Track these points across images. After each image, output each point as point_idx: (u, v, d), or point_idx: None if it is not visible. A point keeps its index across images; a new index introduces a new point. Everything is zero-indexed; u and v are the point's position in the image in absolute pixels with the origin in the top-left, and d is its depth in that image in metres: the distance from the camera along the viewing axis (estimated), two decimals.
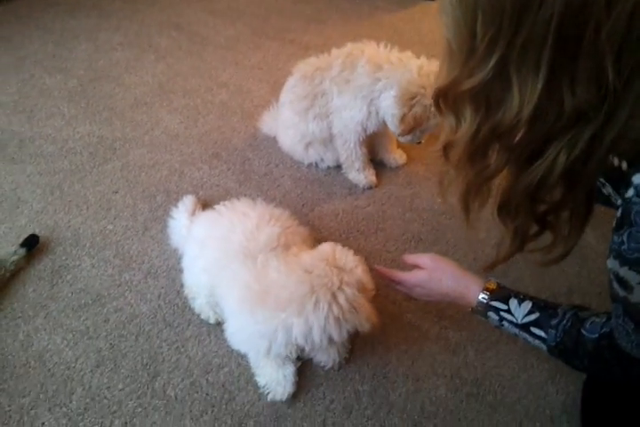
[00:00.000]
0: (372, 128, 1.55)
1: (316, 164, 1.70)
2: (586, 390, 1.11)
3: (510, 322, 0.96)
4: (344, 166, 1.64)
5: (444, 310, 1.30)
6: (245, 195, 1.47)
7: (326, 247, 1.02)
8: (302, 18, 2.57)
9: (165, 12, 2.51)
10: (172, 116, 1.88)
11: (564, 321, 0.88)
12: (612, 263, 0.69)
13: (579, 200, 0.75)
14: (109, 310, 1.25)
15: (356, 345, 1.22)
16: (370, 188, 1.64)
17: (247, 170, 1.69)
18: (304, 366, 1.15)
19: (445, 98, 0.73)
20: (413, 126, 1.44)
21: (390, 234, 1.50)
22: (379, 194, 1.64)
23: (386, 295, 1.33)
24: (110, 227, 1.45)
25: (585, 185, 0.72)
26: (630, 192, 0.64)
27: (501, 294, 0.98)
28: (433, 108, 1.39)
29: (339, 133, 1.55)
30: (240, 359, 1.17)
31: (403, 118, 1.43)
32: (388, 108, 1.46)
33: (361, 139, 1.56)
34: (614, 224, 0.67)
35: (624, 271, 0.67)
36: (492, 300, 0.98)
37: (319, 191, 1.62)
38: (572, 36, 0.58)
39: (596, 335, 0.83)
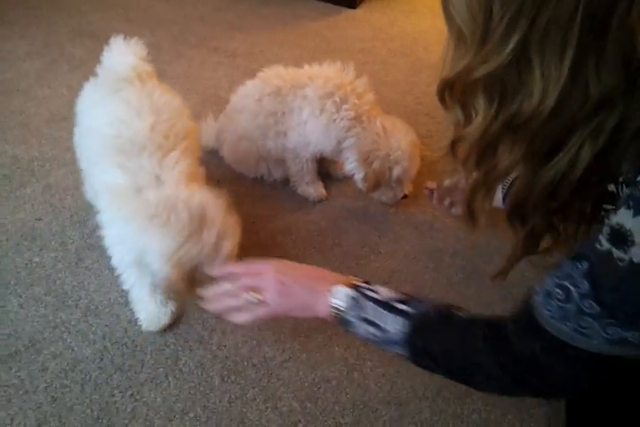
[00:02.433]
0: (330, 155, 1.51)
1: (262, 177, 1.60)
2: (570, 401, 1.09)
3: (371, 298, 0.82)
4: (293, 180, 1.56)
5: None
6: None
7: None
8: (225, 25, 2.45)
9: (75, 19, 2.31)
10: None
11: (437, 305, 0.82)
12: (619, 216, 0.61)
13: (591, 199, 0.69)
14: (47, 356, 1.08)
15: (332, 373, 1.13)
16: (320, 201, 1.57)
17: None
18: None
19: (452, 90, 0.66)
20: (377, 181, 1.41)
21: (348, 249, 1.43)
22: (330, 207, 1.56)
23: None
24: (37, 259, 1.27)
25: (601, 181, 0.66)
26: None
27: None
28: (391, 157, 1.38)
29: (293, 148, 1.46)
30: (206, 402, 1.05)
31: (365, 177, 1.41)
32: (353, 170, 1.45)
33: (316, 157, 1.50)
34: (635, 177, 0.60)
35: (634, 222, 0.59)
36: (356, 281, 0.86)
37: (268, 207, 1.52)
38: (601, 13, 0.53)
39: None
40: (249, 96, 1.46)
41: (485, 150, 0.68)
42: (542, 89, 0.58)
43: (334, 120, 1.39)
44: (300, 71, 1.46)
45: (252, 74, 1.54)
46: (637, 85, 0.57)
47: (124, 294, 1.21)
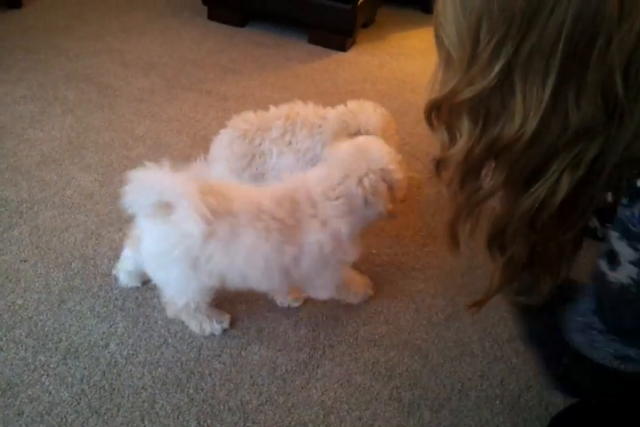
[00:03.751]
0: None
1: None
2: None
3: None
4: None
5: (394, 368, 1.25)
6: None
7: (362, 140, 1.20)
8: (218, 68, 2.53)
9: (72, 63, 2.38)
10: (85, 174, 1.74)
11: None
12: (612, 238, 0.64)
13: (573, 229, 0.70)
14: (23, 400, 1.09)
15: (308, 416, 1.13)
16: None
17: None
18: None
19: (439, 111, 0.69)
20: None
21: None
22: None
23: (332, 358, 1.26)
24: (20, 301, 1.29)
25: (583, 212, 0.67)
26: None
27: None
28: (362, 131, 1.40)
29: None
30: None
31: None
32: None
33: None
34: (627, 200, 0.62)
35: (621, 246, 0.62)
36: None
37: None
38: (582, 45, 0.56)
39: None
40: (221, 143, 1.51)
41: (468, 173, 0.70)
42: (523, 114, 0.61)
43: (298, 150, 1.45)
44: (265, 114, 1.51)
45: None
46: (616, 120, 0.59)
47: (105, 337, 1.22)
